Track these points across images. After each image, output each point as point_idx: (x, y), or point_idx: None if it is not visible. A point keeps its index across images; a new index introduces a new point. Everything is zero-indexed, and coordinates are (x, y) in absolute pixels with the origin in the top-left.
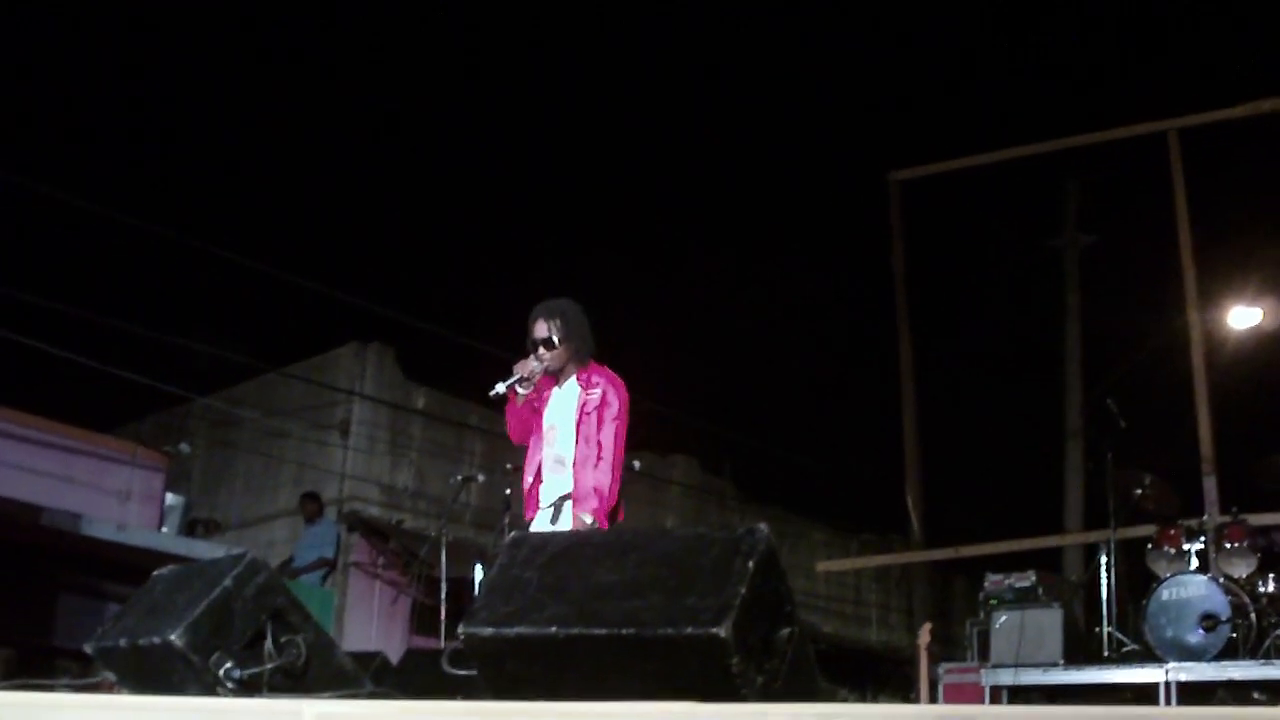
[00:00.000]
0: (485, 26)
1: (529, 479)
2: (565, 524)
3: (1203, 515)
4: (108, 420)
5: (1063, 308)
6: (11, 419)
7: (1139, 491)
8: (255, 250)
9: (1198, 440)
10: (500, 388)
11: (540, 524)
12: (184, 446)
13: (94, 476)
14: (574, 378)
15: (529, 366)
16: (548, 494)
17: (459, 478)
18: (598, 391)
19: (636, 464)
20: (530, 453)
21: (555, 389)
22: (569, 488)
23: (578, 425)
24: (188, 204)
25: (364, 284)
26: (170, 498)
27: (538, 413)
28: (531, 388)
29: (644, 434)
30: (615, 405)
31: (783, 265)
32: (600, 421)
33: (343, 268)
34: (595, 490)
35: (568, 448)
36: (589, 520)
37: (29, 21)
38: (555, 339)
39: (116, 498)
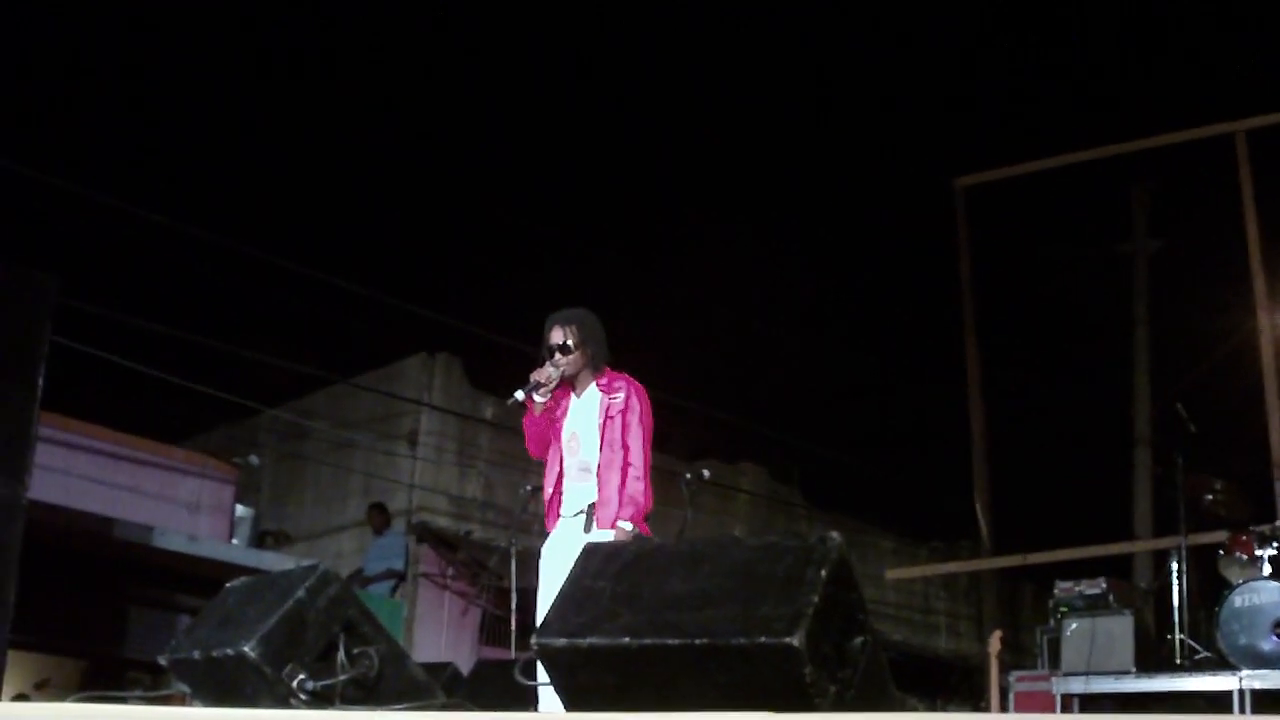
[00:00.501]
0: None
1: (549, 490)
2: (597, 531)
3: (1275, 520)
4: (178, 432)
5: (1131, 313)
6: (82, 431)
7: (1210, 497)
8: (323, 262)
9: (1269, 444)
10: (519, 395)
11: (570, 532)
12: (253, 458)
13: (164, 488)
14: (593, 384)
15: (545, 372)
16: (571, 503)
17: (527, 488)
18: (620, 395)
19: (706, 472)
20: (549, 464)
21: (574, 397)
22: (594, 495)
23: (602, 430)
24: (256, 216)
25: (431, 294)
26: (240, 509)
27: (556, 423)
28: (549, 395)
29: (712, 442)
30: (639, 408)
31: (851, 273)
32: (625, 425)
33: (410, 278)
34: (631, 498)
35: (592, 453)
36: (629, 528)
37: (116, 39)
38: (570, 344)
39: (187, 510)
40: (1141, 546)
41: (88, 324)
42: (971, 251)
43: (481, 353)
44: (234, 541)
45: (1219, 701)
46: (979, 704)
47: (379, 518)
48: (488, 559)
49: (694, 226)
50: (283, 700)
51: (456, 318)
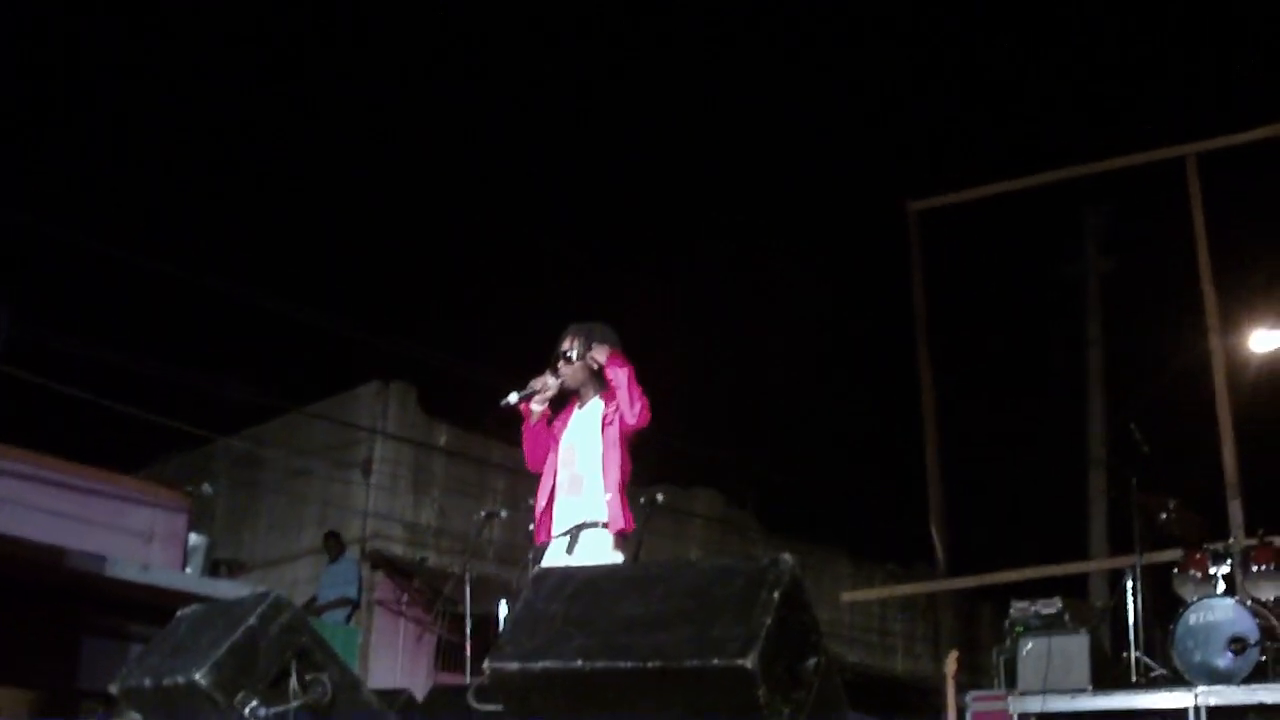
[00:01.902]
0: (502, 64)
1: (541, 502)
2: (582, 553)
3: (1228, 538)
4: (130, 461)
5: (1084, 334)
6: (33, 461)
7: (1164, 516)
8: (276, 291)
9: (1222, 464)
10: (512, 398)
11: (555, 553)
12: (206, 487)
13: (116, 518)
14: (596, 397)
15: (544, 380)
16: (561, 519)
17: (482, 514)
18: (615, 402)
19: (660, 497)
20: (544, 477)
21: (577, 410)
22: (584, 513)
23: (604, 431)
24: (208, 246)
25: (385, 323)
26: (194, 538)
27: (555, 436)
28: (545, 404)
29: (667, 467)
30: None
31: (803, 297)
32: (620, 429)
33: (363, 307)
34: (610, 505)
35: (588, 465)
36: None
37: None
38: (573, 354)
39: (139, 539)
40: (1097, 566)
41: (39, 353)
42: (924, 275)
43: (435, 380)
44: (188, 570)
45: (1175, 718)
46: None
47: (333, 545)
48: (443, 585)
49: (647, 254)
50: None
51: (410, 346)
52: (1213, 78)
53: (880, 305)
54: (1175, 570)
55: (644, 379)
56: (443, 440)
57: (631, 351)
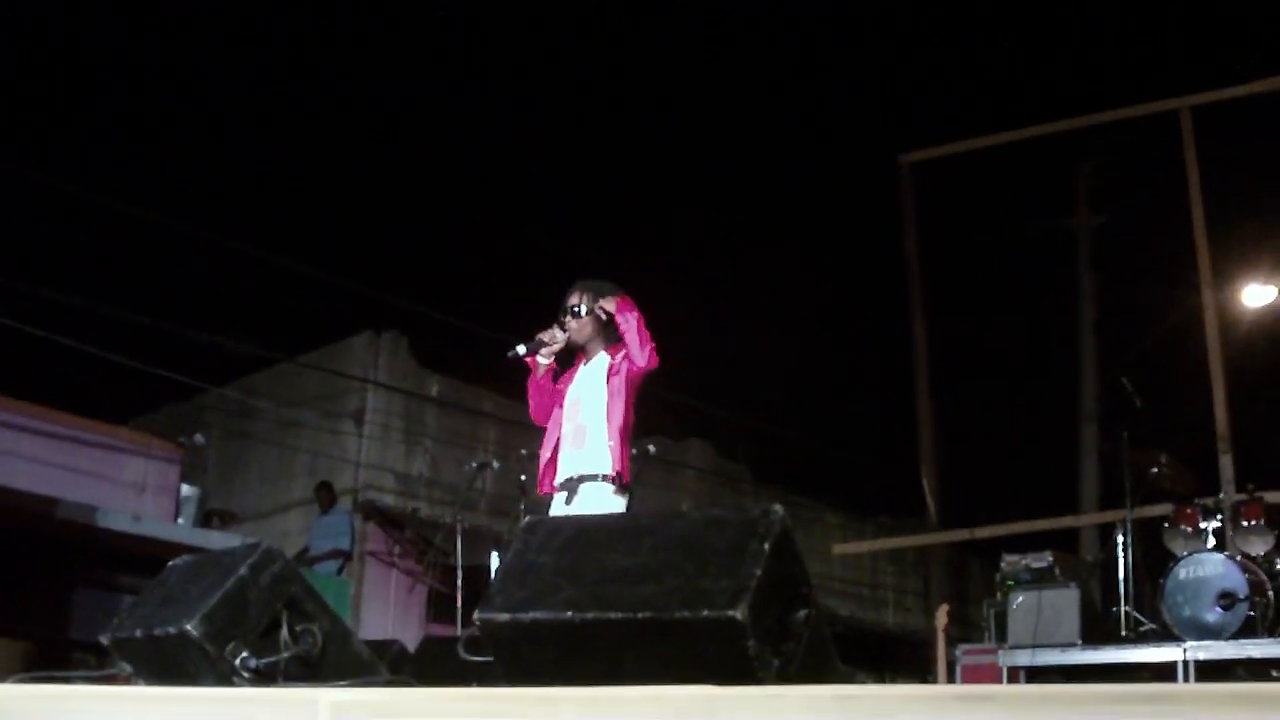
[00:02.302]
0: (493, 20)
1: (545, 454)
2: (580, 505)
3: (1219, 493)
4: (122, 412)
5: (1077, 288)
6: (25, 412)
7: (1155, 470)
8: (267, 240)
9: (1214, 418)
10: (520, 349)
11: (557, 505)
12: (198, 438)
13: (109, 469)
14: (602, 352)
15: (551, 333)
16: (564, 469)
17: (474, 465)
18: (623, 351)
19: (652, 448)
20: (549, 430)
21: (583, 366)
22: (584, 464)
23: (608, 380)
24: (199, 194)
25: (377, 272)
26: (185, 489)
27: (560, 390)
28: (551, 357)
29: (658, 419)
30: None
31: (796, 249)
32: (627, 376)
33: (355, 256)
34: (613, 451)
35: (591, 415)
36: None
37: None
38: (582, 309)
39: (132, 490)
40: (1087, 520)
41: (30, 304)
42: (917, 228)
43: (428, 331)
44: (179, 521)
45: (1163, 673)
46: (926, 677)
47: (325, 496)
48: (434, 536)
49: (634, 206)
50: (225, 678)
51: (402, 296)
52: (1208, 31)
53: (873, 258)
54: (1165, 525)
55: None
56: (435, 390)
57: (637, 301)
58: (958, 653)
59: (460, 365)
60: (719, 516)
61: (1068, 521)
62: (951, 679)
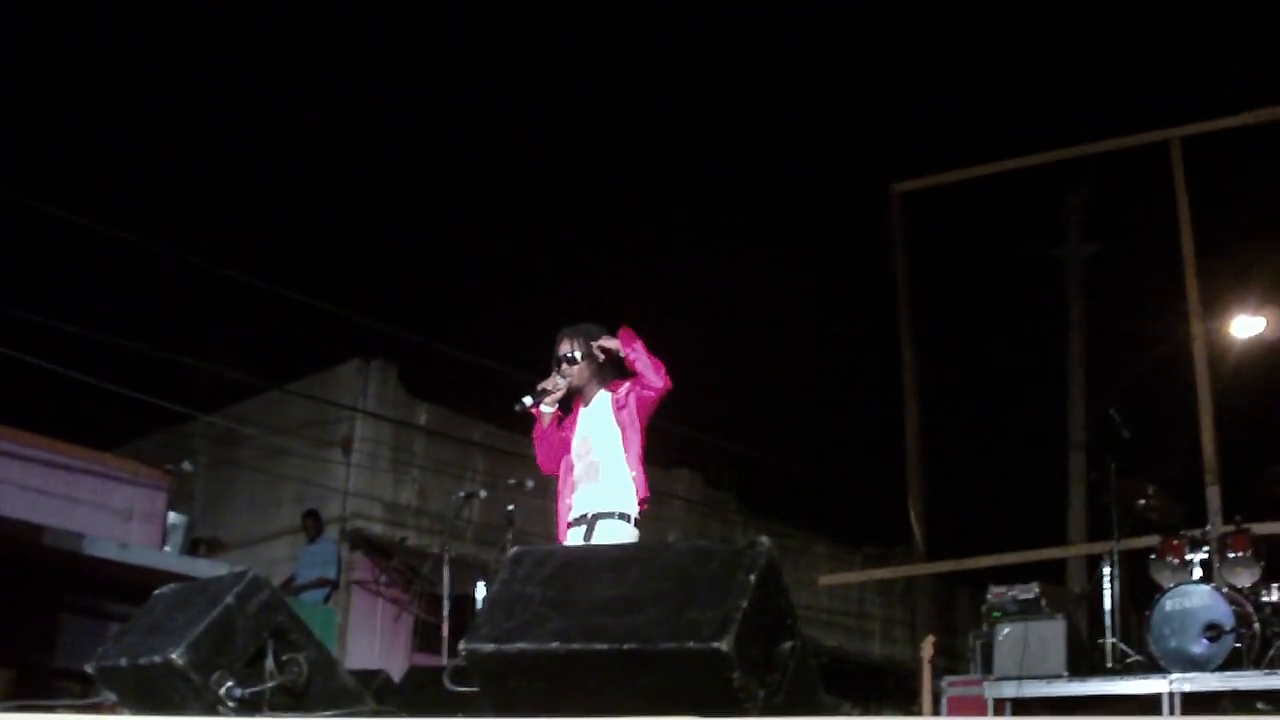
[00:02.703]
0: (481, 44)
1: (566, 500)
2: (598, 540)
3: (1206, 525)
4: (110, 439)
5: (1066, 318)
6: (13, 438)
7: (1142, 502)
8: (257, 268)
9: (1201, 450)
10: (526, 400)
11: (573, 541)
12: (186, 465)
13: (96, 495)
14: (601, 392)
15: (553, 381)
16: (579, 506)
17: (461, 494)
18: (626, 384)
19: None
20: (562, 478)
21: (583, 409)
22: (599, 501)
23: (617, 416)
24: (190, 221)
25: (366, 301)
26: (173, 516)
27: (566, 437)
28: (555, 405)
29: (647, 448)
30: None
31: (786, 279)
32: (639, 404)
33: (345, 285)
34: (636, 481)
35: (604, 451)
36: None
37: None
38: (576, 355)
39: (119, 517)
40: (1074, 551)
41: (18, 330)
42: (908, 258)
43: (417, 359)
44: (166, 549)
45: (1149, 705)
46: (912, 709)
47: (312, 524)
48: (422, 565)
49: (624, 234)
50: (210, 708)
51: (391, 324)
52: (1198, 62)
53: (862, 287)
54: (1152, 556)
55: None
56: (423, 419)
57: (612, 332)
58: (943, 684)
59: (449, 394)
60: (705, 548)
61: (1055, 553)
62: (937, 710)
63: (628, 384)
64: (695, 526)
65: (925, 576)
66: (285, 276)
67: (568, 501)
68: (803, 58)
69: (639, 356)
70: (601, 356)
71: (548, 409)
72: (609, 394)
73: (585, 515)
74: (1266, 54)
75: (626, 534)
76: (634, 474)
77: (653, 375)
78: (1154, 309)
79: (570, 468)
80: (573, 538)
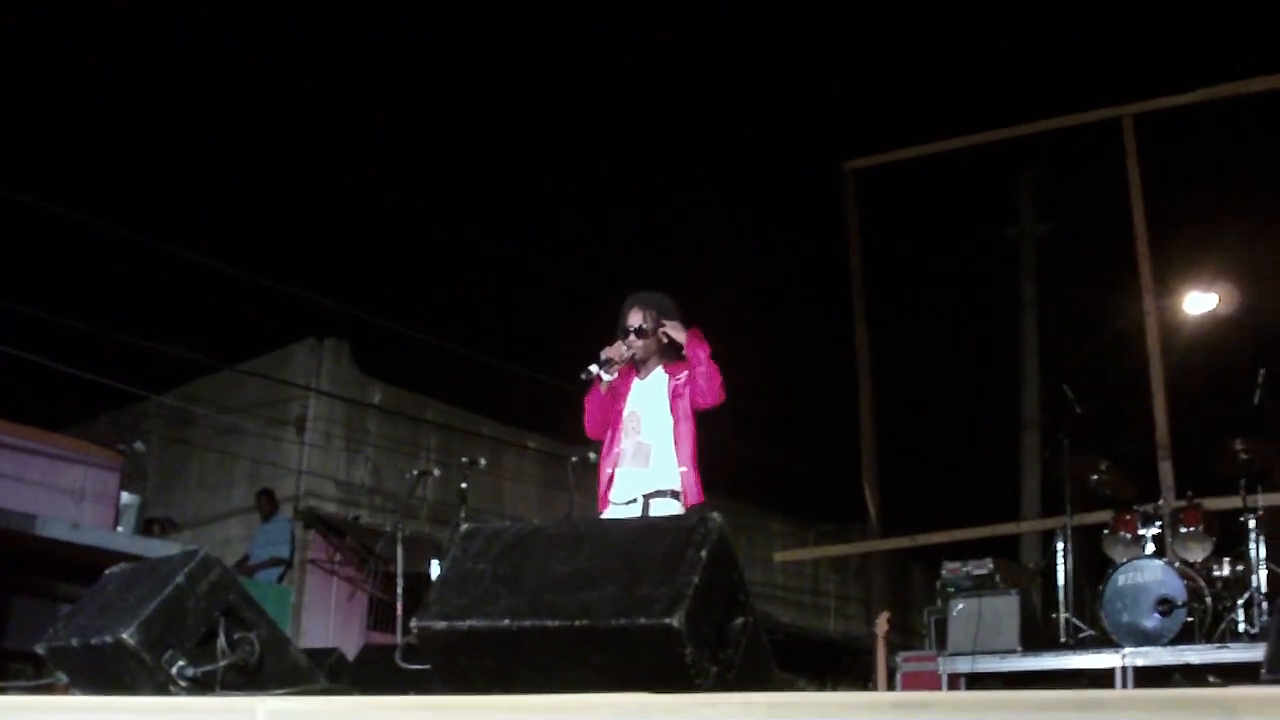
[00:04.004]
0: (428, 23)
1: (606, 470)
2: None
3: (1158, 500)
4: (61, 419)
5: (1018, 295)
6: None
7: (1095, 477)
8: (208, 247)
9: (1154, 426)
10: (593, 369)
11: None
12: (138, 445)
13: (47, 476)
14: (659, 368)
15: (618, 349)
16: (624, 487)
17: (415, 473)
18: (685, 373)
19: (592, 455)
20: (607, 445)
21: (637, 380)
22: (651, 481)
23: (674, 407)
24: (140, 200)
25: (319, 280)
26: (125, 497)
27: (618, 404)
28: (615, 373)
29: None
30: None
31: (738, 256)
32: (691, 403)
33: (297, 263)
34: (685, 478)
35: (655, 435)
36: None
37: None
38: (647, 328)
39: (70, 497)
40: (1028, 527)
41: None
42: (860, 236)
43: (370, 338)
44: (119, 529)
45: (1102, 679)
46: (867, 684)
47: (266, 504)
48: (375, 544)
49: (580, 212)
50: (162, 687)
51: (344, 303)
52: (1150, 39)
53: (815, 265)
54: (1105, 531)
55: (573, 334)
56: (377, 398)
57: (567, 310)
58: (898, 659)
59: (402, 373)
60: (657, 524)
61: (1008, 528)
62: (892, 686)
63: (685, 377)
64: None
65: (880, 553)
66: (238, 255)
67: (609, 472)
68: (749, 37)
69: (700, 364)
70: (664, 340)
71: (607, 377)
72: (667, 376)
73: (635, 498)
74: (1217, 31)
75: (679, 511)
76: (684, 469)
77: (705, 389)
78: (1106, 286)
79: (616, 438)
80: (625, 515)
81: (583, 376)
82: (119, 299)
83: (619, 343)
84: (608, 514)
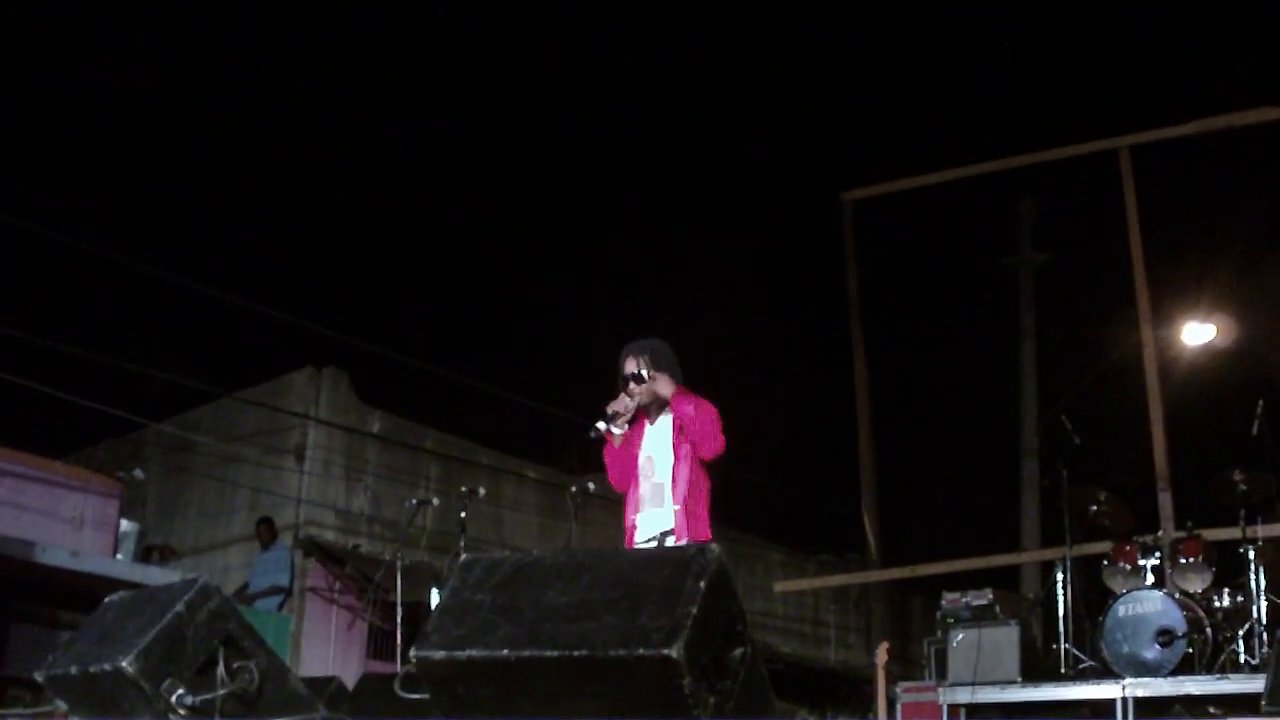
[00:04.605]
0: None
1: (631, 517)
2: None
3: (1158, 531)
4: (61, 446)
5: (1017, 326)
6: None
7: (1094, 508)
8: (209, 275)
9: (1152, 456)
10: (600, 426)
11: None
12: (138, 472)
13: (47, 503)
14: (665, 413)
15: (622, 402)
16: (646, 529)
17: (414, 501)
18: (690, 407)
19: (591, 485)
20: (630, 493)
21: (648, 425)
22: (668, 521)
23: (676, 447)
24: (141, 228)
25: (318, 308)
26: (125, 524)
27: (633, 451)
28: (625, 425)
29: (599, 455)
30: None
31: (737, 286)
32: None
33: (297, 293)
34: (677, 516)
35: (666, 472)
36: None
37: None
38: (644, 373)
39: (70, 525)
40: (1027, 558)
41: None
42: (858, 265)
43: (369, 366)
44: (118, 557)
45: (1103, 709)
46: (867, 715)
47: (266, 532)
48: (375, 573)
49: (573, 244)
50: (161, 715)
51: (344, 331)
52: (1147, 72)
53: (814, 295)
54: (1105, 562)
55: (575, 364)
56: (376, 427)
57: (566, 340)
58: (898, 690)
59: (402, 401)
60: (656, 554)
61: (1008, 559)
62: (891, 717)
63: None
64: None
65: (880, 583)
66: (237, 284)
67: (633, 519)
68: (751, 64)
69: (691, 421)
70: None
71: (617, 430)
72: (673, 416)
73: (654, 535)
74: (1213, 64)
75: None
76: (677, 508)
77: (701, 442)
78: (1104, 316)
79: (636, 483)
80: None
81: (592, 435)
82: (119, 327)
83: (622, 395)
84: None
